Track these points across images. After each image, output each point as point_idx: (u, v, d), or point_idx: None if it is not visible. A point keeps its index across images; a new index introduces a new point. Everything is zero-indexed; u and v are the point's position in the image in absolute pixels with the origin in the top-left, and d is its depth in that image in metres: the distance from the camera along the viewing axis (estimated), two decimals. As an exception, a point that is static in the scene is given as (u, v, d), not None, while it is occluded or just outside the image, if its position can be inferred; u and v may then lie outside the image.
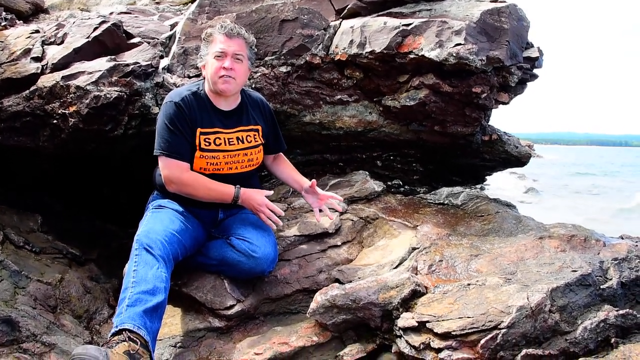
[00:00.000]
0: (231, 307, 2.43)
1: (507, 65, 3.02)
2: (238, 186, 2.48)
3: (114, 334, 1.94)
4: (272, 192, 2.59)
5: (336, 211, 2.86)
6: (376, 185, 3.26)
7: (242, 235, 2.49)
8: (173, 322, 2.44)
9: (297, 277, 2.60)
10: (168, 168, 2.41)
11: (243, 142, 2.56)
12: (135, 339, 1.92)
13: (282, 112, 3.18)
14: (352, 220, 2.96)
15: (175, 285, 2.48)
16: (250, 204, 2.49)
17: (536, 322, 2.04)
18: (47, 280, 2.44)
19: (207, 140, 2.46)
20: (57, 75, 2.71)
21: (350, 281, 2.45)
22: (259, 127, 2.65)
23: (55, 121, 2.71)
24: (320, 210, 2.71)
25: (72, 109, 2.67)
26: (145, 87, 2.85)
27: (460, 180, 3.76)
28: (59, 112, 2.70)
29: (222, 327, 2.41)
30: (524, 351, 1.99)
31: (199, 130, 2.45)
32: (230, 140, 2.52)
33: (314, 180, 2.64)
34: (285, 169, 2.83)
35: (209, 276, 2.54)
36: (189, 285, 2.52)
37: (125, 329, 1.94)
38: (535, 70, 3.37)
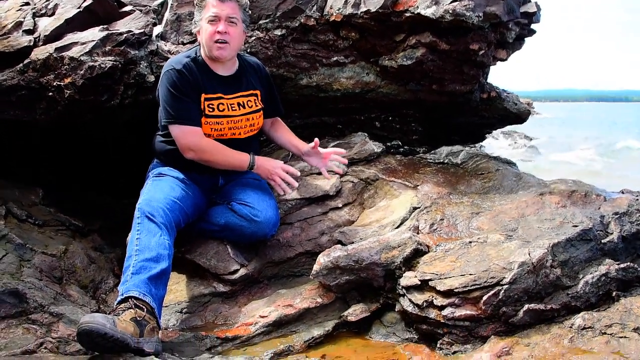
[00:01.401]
0: (235, 271, 2.44)
1: (505, 21, 2.96)
2: (252, 153, 2.49)
3: (120, 302, 1.93)
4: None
5: (337, 174, 2.85)
6: (375, 147, 3.25)
7: (243, 200, 2.48)
8: (178, 289, 2.45)
9: (299, 240, 2.61)
10: (184, 136, 2.39)
11: (244, 107, 2.54)
12: (141, 305, 1.92)
13: (279, 76, 3.13)
14: (353, 182, 2.96)
15: (179, 252, 2.47)
16: (265, 169, 2.49)
17: (538, 277, 2.04)
18: (52, 252, 2.43)
19: (210, 106, 2.45)
20: (50, 47, 2.65)
21: (353, 242, 2.45)
22: (258, 92, 2.63)
23: (50, 94, 2.66)
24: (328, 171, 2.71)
25: (67, 80, 2.62)
26: (140, 56, 2.80)
27: (460, 139, 3.74)
28: (54, 84, 2.64)
29: (226, 292, 2.43)
30: (526, 306, 2.00)
31: (203, 95, 2.43)
32: (232, 105, 2.51)
33: (316, 139, 2.61)
34: (284, 133, 2.80)
35: (212, 242, 2.53)
36: (193, 252, 2.52)
37: (131, 297, 1.93)
38: (533, 26, 3.30)
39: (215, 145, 2.44)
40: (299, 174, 2.54)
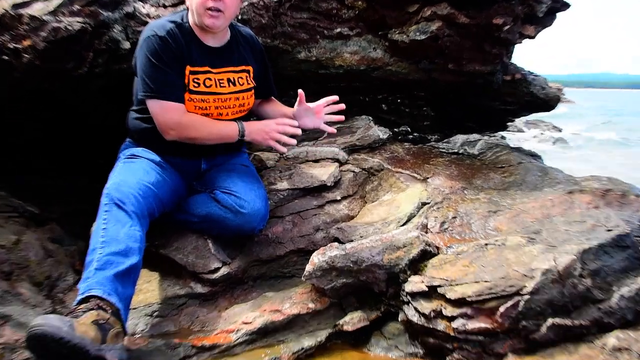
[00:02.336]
0: (216, 270, 2.42)
1: (534, -9, 2.94)
2: (240, 121, 2.47)
3: (80, 302, 1.88)
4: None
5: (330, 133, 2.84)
6: (381, 132, 3.26)
7: (228, 189, 2.46)
8: (149, 288, 2.42)
9: (291, 236, 2.61)
10: (164, 113, 2.35)
11: (234, 85, 2.51)
12: (105, 307, 1.87)
13: (274, 48, 3.10)
14: (354, 171, 2.96)
15: (152, 246, 2.45)
16: (259, 132, 2.45)
17: (564, 287, 1.99)
18: (0, 242, 2.36)
19: (196, 80, 2.41)
20: (6, 3, 2.57)
21: (351, 240, 2.44)
22: (250, 68, 2.60)
23: (6, 57, 2.58)
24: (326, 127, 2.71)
25: (26, 43, 2.55)
26: (114, 18, 2.75)
27: (478, 126, 3.77)
28: (10, 46, 2.56)
29: (205, 293, 2.40)
30: (550, 321, 1.95)
31: (188, 68, 2.38)
32: (220, 82, 2.47)
33: (300, 91, 2.57)
34: (270, 105, 2.81)
35: (191, 235, 2.52)
36: (168, 246, 2.49)
37: (93, 296, 1.88)
38: (567, -2, 3.30)
39: (196, 118, 2.40)
40: (296, 123, 2.51)
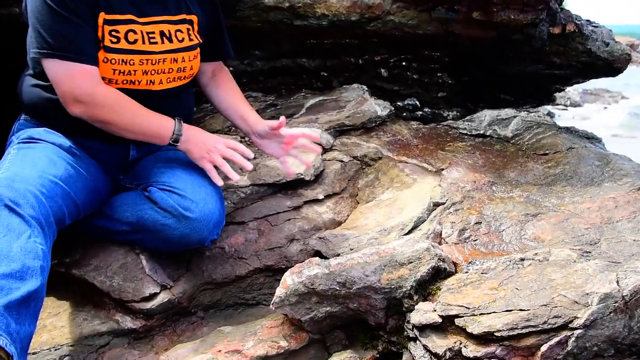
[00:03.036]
0: (152, 297, 2.40)
1: None
2: (179, 118, 2.44)
3: (-43, 345, 1.85)
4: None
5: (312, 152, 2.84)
6: (379, 107, 3.26)
7: (168, 184, 2.43)
8: (57, 324, 2.38)
9: (255, 250, 2.61)
10: (69, 79, 2.30)
11: (171, 41, 2.49)
12: (-8, 352, 1.83)
13: (230, -11, 3.12)
14: (342, 161, 2.98)
15: (61, 265, 2.44)
16: (198, 145, 2.44)
17: (632, 320, 1.99)
18: None
19: (114, 33, 2.37)
20: None
21: (338, 254, 2.45)
22: (194, 18, 2.58)
23: None
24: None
25: None
26: None
27: (513, 98, 3.81)
28: None
29: (137, 330, 2.38)
30: (610, 364, 1.98)
31: (102, 16, 2.35)
32: (150, 36, 2.44)
33: (283, 119, 2.57)
34: (228, 94, 2.78)
35: (117, 250, 2.50)
36: (84, 265, 2.46)
37: (-29, 338, 1.86)
38: None
39: (119, 96, 2.36)
40: (251, 155, 2.50)
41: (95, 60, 2.33)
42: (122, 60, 2.38)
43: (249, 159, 2.46)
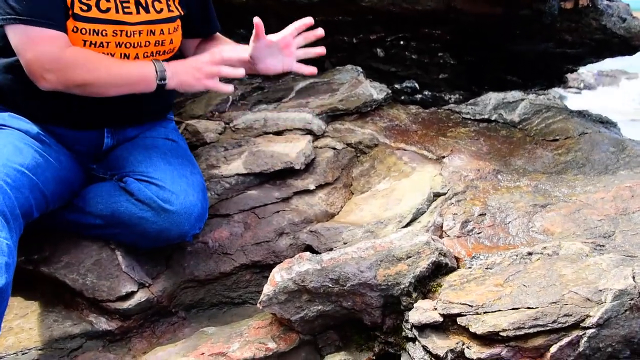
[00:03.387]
0: (129, 295, 2.40)
1: None
2: (154, 58, 2.45)
3: None
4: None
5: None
6: (375, 90, 3.27)
7: (146, 174, 2.43)
8: (25, 326, 2.38)
9: (241, 244, 2.61)
10: (34, 45, 2.27)
11: (147, 11, 2.47)
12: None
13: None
14: (334, 148, 2.99)
15: (28, 262, 2.44)
16: (188, 72, 2.41)
17: None
18: None
19: (85, 1, 2.36)
20: None
21: (331, 249, 2.46)
22: None
23: None
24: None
25: None
26: None
27: (520, 80, 3.82)
28: None
29: (112, 331, 2.39)
30: (627, 366, 1.98)
31: None
32: (125, 5, 2.43)
33: (257, 19, 2.46)
34: (215, 44, 2.74)
35: (90, 245, 2.50)
36: (54, 262, 2.46)
37: None
38: None
39: (87, 53, 2.34)
40: (236, 56, 2.49)
41: (63, 27, 2.30)
42: (94, 31, 2.36)
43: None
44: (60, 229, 2.49)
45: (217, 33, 2.80)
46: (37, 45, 2.26)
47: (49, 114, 2.41)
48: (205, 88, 2.44)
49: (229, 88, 2.43)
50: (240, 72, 2.39)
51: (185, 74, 2.40)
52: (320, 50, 2.59)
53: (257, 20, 2.43)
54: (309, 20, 2.52)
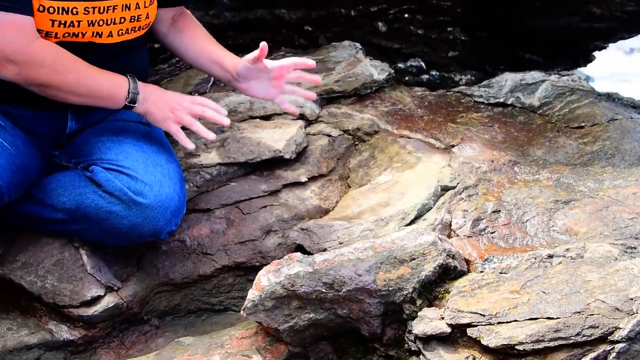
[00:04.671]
0: (94, 300, 2.41)
1: None
2: (131, 75, 2.45)
3: None
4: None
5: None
6: (376, 70, 3.28)
7: (115, 163, 2.44)
8: None
9: (223, 243, 2.63)
10: None
11: None
12: None
13: None
14: (329, 135, 3.00)
15: None
16: (159, 105, 2.46)
17: None
18: None
19: None
20: None
21: (325, 249, 2.47)
22: None
23: None
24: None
25: None
26: None
27: (540, 59, 3.83)
28: None
29: (75, 341, 2.39)
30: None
31: None
32: None
33: (263, 44, 2.53)
34: (195, 39, 2.77)
35: (51, 242, 2.50)
36: (9, 261, 2.47)
37: None
38: None
39: (60, 54, 2.35)
40: (225, 113, 2.53)
41: (29, 9, 2.29)
42: (63, 9, 2.34)
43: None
44: (17, 224, 2.50)
45: (196, 22, 2.82)
46: (3, 33, 2.26)
47: (4, 93, 2.41)
48: (167, 130, 2.48)
49: (190, 146, 2.48)
50: (225, 121, 2.49)
51: (156, 105, 2.45)
52: (311, 94, 2.74)
53: (263, 45, 2.52)
54: (311, 63, 2.63)
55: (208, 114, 2.46)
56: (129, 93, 2.41)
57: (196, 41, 2.76)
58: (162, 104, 2.45)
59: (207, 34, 2.79)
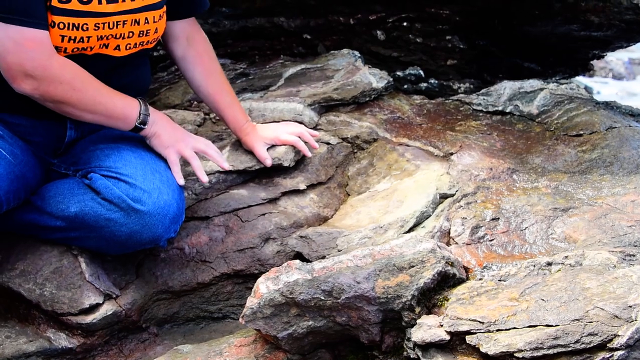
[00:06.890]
0: (93, 308, 2.40)
1: None
2: (142, 99, 2.50)
3: None
4: None
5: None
6: (375, 78, 3.28)
7: (114, 170, 2.43)
8: None
9: (222, 251, 2.63)
10: (17, 47, 2.27)
11: None
12: None
13: None
14: (328, 143, 3.00)
15: None
16: (169, 134, 2.51)
17: None
18: None
19: None
20: None
21: (323, 257, 2.47)
22: None
23: None
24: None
25: None
26: None
27: (539, 67, 3.84)
28: None
29: (74, 349, 2.39)
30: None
31: None
32: None
33: (269, 163, 2.72)
34: (208, 78, 2.81)
35: (49, 250, 2.49)
36: (7, 269, 2.46)
37: None
38: None
39: (78, 71, 2.35)
40: (224, 159, 2.65)
41: (46, 24, 2.29)
42: (74, 25, 2.34)
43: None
44: (16, 232, 2.49)
45: (210, 50, 2.83)
46: (21, 49, 2.26)
47: (6, 102, 2.40)
48: (167, 157, 2.52)
49: (181, 181, 2.52)
50: (225, 165, 2.61)
51: (164, 129, 2.50)
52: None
53: (269, 164, 2.80)
54: (308, 155, 2.87)
55: (210, 153, 2.52)
56: (140, 114, 2.43)
57: (208, 82, 2.81)
58: (170, 130, 2.50)
59: (220, 73, 2.85)
